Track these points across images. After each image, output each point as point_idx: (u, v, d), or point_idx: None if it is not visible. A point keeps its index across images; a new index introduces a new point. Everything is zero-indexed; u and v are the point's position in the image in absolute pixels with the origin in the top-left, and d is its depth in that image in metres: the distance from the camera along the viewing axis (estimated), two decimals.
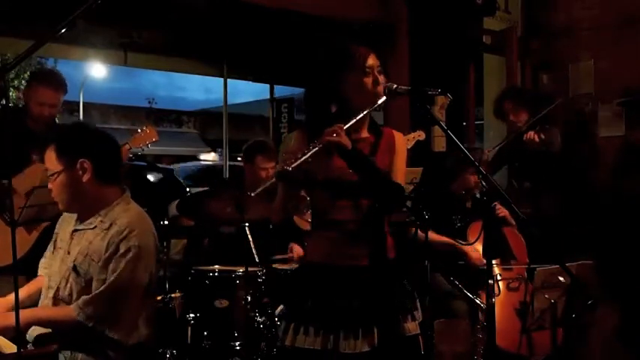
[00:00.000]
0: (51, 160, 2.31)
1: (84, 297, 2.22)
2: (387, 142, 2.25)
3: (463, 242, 3.44)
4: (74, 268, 2.29)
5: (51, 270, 2.43)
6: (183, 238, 4.63)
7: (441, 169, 3.86)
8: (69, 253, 2.35)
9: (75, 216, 2.43)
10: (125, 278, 2.22)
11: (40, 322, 2.27)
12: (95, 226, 2.32)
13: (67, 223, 2.46)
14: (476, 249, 3.51)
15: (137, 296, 2.27)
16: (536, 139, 4.40)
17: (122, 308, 2.23)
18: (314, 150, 1.96)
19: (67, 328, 2.25)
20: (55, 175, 2.29)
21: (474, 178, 3.70)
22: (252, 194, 1.94)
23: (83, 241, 2.32)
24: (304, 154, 1.95)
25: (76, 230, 2.37)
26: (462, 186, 3.78)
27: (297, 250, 4.10)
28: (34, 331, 2.34)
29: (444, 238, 3.55)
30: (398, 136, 2.31)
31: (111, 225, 2.28)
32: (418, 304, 2.25)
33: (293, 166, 1.91)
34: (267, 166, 3.98)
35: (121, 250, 2.23)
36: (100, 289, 2.21)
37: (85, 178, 2.28)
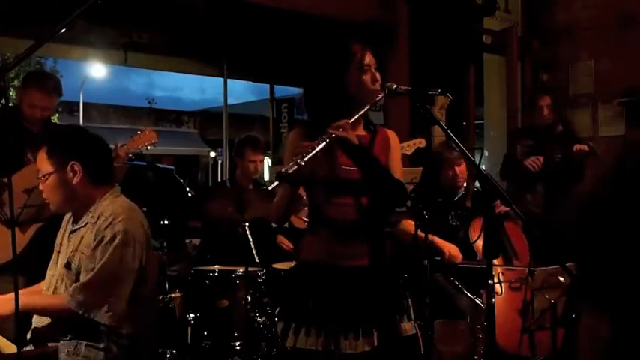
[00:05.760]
0: (42, 161, 2.34)
1: (75, 284, 2.25)
2: (383, 140, 2.26)
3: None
4: (67, 265, 2.33)
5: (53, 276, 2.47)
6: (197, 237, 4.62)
7: (428, 164, 3.78)
8: (66, 254, 2.38)
9: (71, 221, 2.46)
10: (113, 264, 2.23)
11: (35, 309, 2.30)
12: (87, 223, 2.35)
13: (64, 229, 2.49)
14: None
15: (127, 283, 2.27)
16: (586, 148, 4.47)
17: (112, 294, 2.23)
18: (323, 144, 1.96)
19: (61, 315, 2.28)
20: (47, 177, 2.32)
21: (452, 171, 3.69)
22: (285, 172, 1.92)
23: (77, 238, 2.36)
24: (314, 148, 1.94)
25: (72, 232, 2.40)
26: (446, 180, 3.74)
27: (285, 242, 4.13)
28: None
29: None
30: (392, 134, 2.32)
31: (99, 217, 2.32)
32: (410, 303, 2.25)
33: (305, 159, 1.90)
34: (256, 158, 4.00)
35: (107, 237, 2.25)
36: (89, 276, 2.23)
37: (76, 180, 2.31)
